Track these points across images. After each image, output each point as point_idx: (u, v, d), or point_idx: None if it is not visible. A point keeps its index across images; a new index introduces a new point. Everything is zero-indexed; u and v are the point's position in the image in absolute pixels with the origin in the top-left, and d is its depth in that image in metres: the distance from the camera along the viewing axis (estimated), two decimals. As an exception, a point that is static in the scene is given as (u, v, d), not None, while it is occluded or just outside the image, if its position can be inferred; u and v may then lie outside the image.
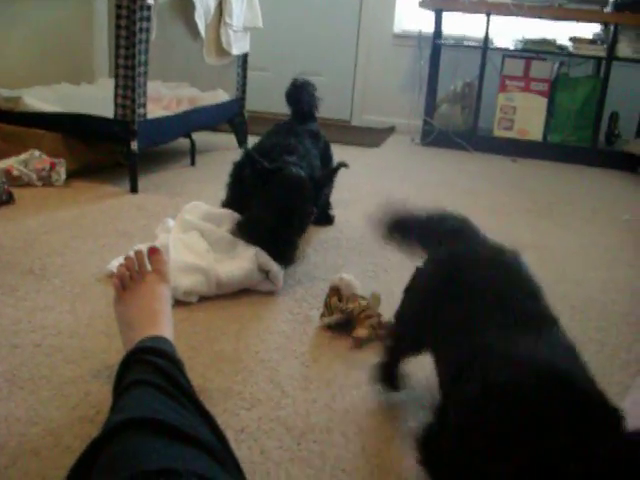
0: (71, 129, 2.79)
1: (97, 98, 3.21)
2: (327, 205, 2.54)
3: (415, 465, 1.14)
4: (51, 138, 2.76)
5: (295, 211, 1.90)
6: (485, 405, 0.83)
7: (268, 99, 4.74)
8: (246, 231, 1.93)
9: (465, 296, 1.02)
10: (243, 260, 1.83)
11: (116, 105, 2.63)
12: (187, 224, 1.98)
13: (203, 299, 1.76)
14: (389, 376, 1.35)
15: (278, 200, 1.90)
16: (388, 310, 1.72)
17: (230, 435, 1.16)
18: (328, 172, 2.13)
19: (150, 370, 1.04)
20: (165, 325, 1.22)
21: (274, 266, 1.84)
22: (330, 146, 2.54)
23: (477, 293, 1.01)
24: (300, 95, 2.50)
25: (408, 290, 1.27)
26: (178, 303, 1.70)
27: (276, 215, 1.88)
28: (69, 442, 1.13)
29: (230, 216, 2.03)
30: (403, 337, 1.29)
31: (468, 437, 0.84)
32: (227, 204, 2.16)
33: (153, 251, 1.36)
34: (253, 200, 1.97)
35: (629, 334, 1.77)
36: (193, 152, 3.32)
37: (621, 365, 1.59)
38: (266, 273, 1.84)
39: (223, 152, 3.66)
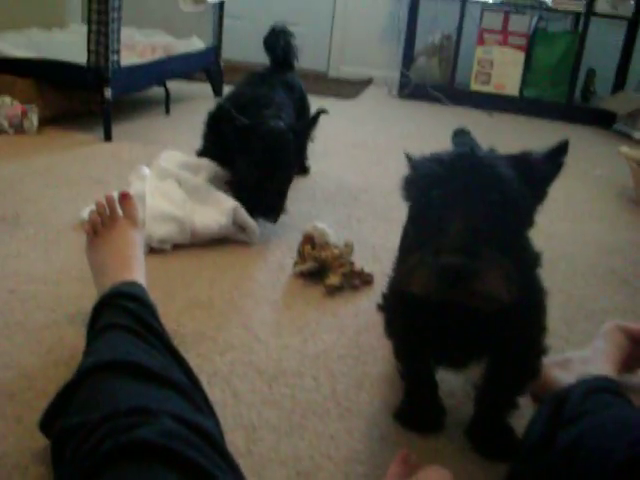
0: (43, 76, 2.74)
1: (70, 44, 3.14)
2: (304, 156, 2.53)
3: (384, 408, 1.18)
4: (23, 85, 2.71)
5: (280, 165, 1.88)
6: None
7: (244, 48, 4.68)
8: (236, 191, 1.92)
9: None
10: (221, 213, 1.82)
11: (89, 51, 2.58)
12: (164, 172, 1.97)
13: (178, 247, 1.76)
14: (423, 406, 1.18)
15: (263, 156, 1.86)
16: (361, 259, 1.75)
17: (203, 378, 1.17)
18: (309, 121, 2.09)
19: (122, 314, 1.05)
20: (137, 270, 1.23)
21: (251, 223, 1.84)
22: (307, 97, 2.52)
23: None
24: (277, 42, 2.46)
25: None
26: (153, 251, 1.71)
27: (262, 171, 1.87)
28: (43, 385, 1.14)
29: (207, 165, 2.02)
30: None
31: None
32: (203, 153, 2.15)
33: (124, 196, 1.36)
34: (236, 158, 1.95)
35: (595, 285, 1.81)
36: (168, 101, 3.28)
37: (587, 315, 1.63)
38: (242, 228, 1.85)
39: (198, 101, 3.62)
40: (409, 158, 0.99)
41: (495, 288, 0.82)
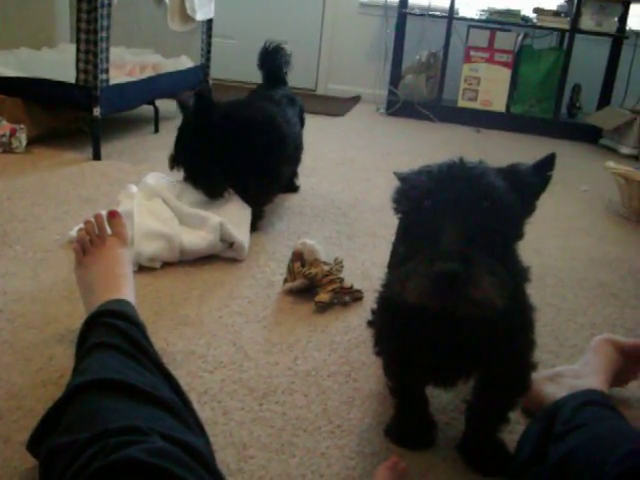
0: (32, 94, 2.74)
1: (58, 63, 3.15)
2: (293, 174, 2.54)
3: (375, 425, 1.18)
4: (11, 103, 2.71)
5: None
6: None
7: (233, 67, 4.72)
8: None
9: None
10: (207, 230, 1.82)
11: (78, 70, 2.58)
12: (151, 190, 1.97)
13: (167, 265, 1.76)
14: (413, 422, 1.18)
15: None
16: (350, 275, 1.75)
17: (193, 397, 1.17)
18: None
19: (111, 333, 1.05)
20: (126, 288, 1.22)
21: (238, 238, 1.84)
22: (304, 110, 2.53)
23: None
24: (272, 58, 2.47)
25: None
26: (142, 269, 1.71)
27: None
28: (32, 405, 1.13)
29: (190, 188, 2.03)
30: None
31: None
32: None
33: (113, 215, 1.36)
34: None
35: (584, 299, 1.82)
36: (157, 119, 3.29)
37: (576, 329, 1.63)
38: (230, 244, 1.85)
39: (187, 120, 3.62)
40: (398, 175, 0.99)
41: (489, 294, 0.82)
